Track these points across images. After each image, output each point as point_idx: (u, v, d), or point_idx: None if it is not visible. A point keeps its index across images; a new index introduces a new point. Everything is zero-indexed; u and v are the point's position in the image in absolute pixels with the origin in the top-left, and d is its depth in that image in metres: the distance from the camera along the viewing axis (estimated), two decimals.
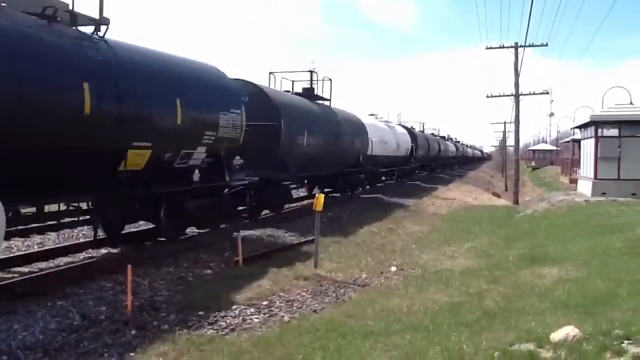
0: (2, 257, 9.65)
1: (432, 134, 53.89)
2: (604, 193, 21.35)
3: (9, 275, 8.84)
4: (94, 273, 8.92)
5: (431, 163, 48.69)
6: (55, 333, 6.55)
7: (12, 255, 10.10)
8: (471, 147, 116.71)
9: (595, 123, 22.71)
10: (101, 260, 9.96)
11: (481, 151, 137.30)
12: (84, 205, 10.82)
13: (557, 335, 5.26)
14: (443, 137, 63.04)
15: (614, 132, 22.44)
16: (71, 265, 9.51)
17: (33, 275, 8.70)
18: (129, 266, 7.59)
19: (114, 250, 11.01)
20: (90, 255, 10.59)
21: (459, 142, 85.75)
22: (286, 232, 13.94)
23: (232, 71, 15.47)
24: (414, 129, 41.65)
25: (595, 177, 22.39)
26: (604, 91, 49.91)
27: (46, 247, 10.94)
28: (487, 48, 33.09)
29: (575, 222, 15.52)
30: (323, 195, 10.82)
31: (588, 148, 24.02)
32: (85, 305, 7.53)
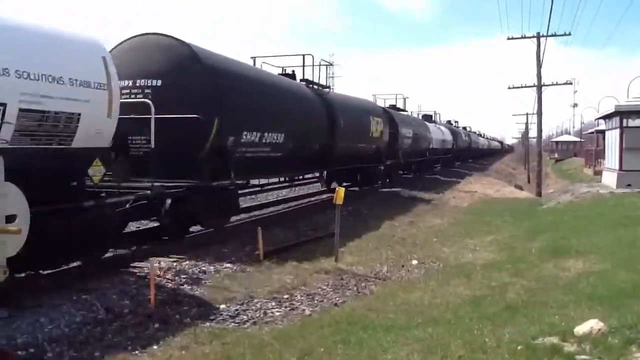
0: None
1: (397, 108, 30.26)
2: (629, 184, 20.97)
3: None
4: (117, 267, 9.04)
5: (386, 171, 24.42)
6: (80, 326, 6.65)
7: None
8: (487, 137, 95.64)
9: (620, 113, 22.28)
10: (124, 254, 10.07)
11: (501, 142, 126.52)
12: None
13: (581, 329, 5.19)
14: (429, 117, 41.36)
15: (639, 122, 22.01)
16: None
17: (58, 269, 8.82)
18: (152, 260, 7.68)
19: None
20: (112, 250, 10.71)
21: (465, 128, 60.87)
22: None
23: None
24: (307, 80, 17.51)
25: (620, 169, 22.00)
26: (629, 80, 48.94)
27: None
28: (508, 38, 32.66)
29: (599, 214, 15.28)
30: (343, 189, 10.80)
31: (613, 139, 23.59)
32: (109, 299, 7.63)
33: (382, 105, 27.36)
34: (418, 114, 39.56)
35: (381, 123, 22.83)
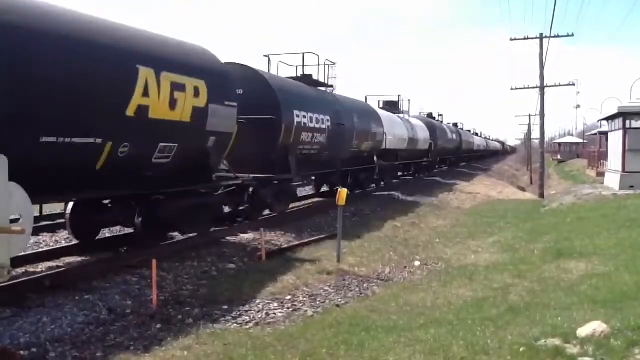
0: (31, 252, 9.84)
1: (314, 81, 17.59)
2: (632, 186, 20.93)
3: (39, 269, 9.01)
4: (119, 267, 9.06)
5: None
6: (83, 326, 6.67)
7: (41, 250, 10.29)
8: (485, 136, 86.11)
9: (624, 114, 22.25)
10: (126, 255, 10.08)
11: (502, 143, 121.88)
12: None
13: (584, 331, 5.18)
14: (392, 104, 28.36)
15: None
16: (97, 259, 9.66)
17: (61, 269, 8.85)
18: (154, 261, 7.68)
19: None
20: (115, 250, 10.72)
21: (456, 125, 50.78)
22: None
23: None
24: None
25: (624, 170, 21.97)
26: (633, 82, 48.82)
27: None
28: (511, 39, 32.73)
29: (602, 216, 15.24)
30: (346, 190, 10.77)
31: (616, 140, 23.56)
32: (111, 299, 7.66)
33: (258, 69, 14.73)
34: (379, 102, 28.08)
35: (204, 91, 10.00)
